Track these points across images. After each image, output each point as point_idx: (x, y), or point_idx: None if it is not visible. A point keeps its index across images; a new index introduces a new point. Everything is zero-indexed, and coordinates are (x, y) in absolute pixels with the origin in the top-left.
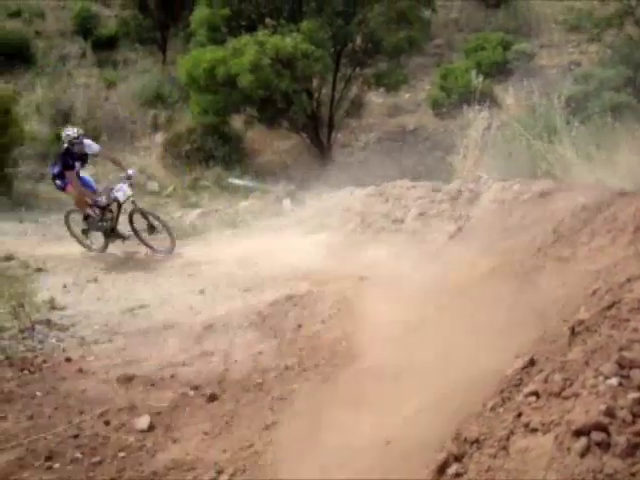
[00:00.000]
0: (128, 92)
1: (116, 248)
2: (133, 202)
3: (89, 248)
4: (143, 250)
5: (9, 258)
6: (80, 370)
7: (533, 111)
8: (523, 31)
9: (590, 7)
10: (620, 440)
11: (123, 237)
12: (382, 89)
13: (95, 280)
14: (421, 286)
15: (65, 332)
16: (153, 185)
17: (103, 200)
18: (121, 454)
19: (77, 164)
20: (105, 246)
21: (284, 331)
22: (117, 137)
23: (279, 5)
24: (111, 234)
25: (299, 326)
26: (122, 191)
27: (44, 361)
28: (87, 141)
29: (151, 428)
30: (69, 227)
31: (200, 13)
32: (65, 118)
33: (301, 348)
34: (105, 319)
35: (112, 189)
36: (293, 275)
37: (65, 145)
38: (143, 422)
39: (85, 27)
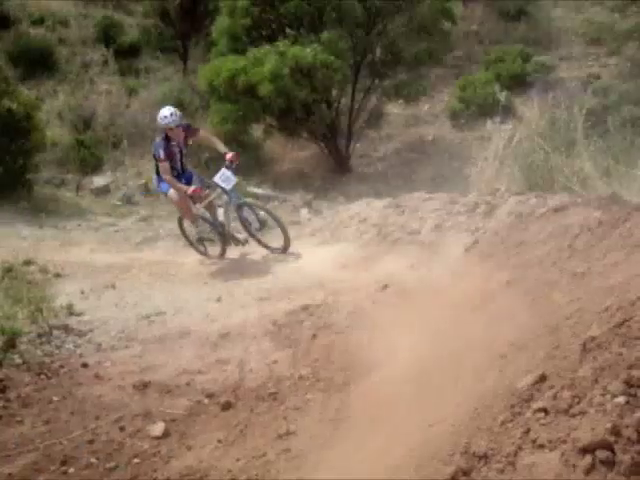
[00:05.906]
0: (149, 100)
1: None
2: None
3: (206, 255)
4: (257, 250)
5: (28, 263)
6: (96, 376)
7: (552, 124)
8: (543, 43)
9: (610, 20)
10: (625, 458)
11: (239, 241)
12: (401, 100)
13: (113, 286)
14: (436, 299)
15: (82, 338)
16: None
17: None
18: (135, 460)
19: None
20: (223, 252)
21: (299, 341)
22: (138, 144)
23: (299, 16)
24: (227, 237)
25: (314, 336)
26: (226, 177)
27: (61, 366)
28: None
29: (166, 435)
30: (184, 233)
31: (221, 23)
32: (86, 124)
33: (316, 358)
34: (122, 325)
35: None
36: (309, 285)
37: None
38: (158, 429)
39: (107, 35)
